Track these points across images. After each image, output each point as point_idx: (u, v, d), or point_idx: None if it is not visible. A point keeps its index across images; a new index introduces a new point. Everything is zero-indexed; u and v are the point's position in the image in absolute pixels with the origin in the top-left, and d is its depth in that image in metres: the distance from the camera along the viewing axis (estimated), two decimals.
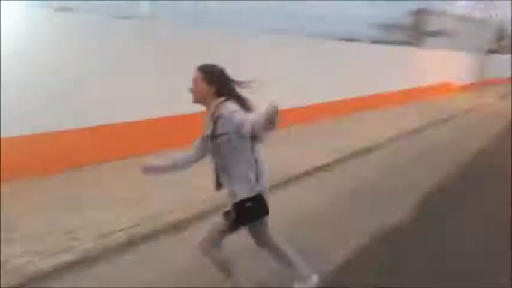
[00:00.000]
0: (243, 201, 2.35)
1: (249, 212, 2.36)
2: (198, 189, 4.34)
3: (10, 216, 3.84)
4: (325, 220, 4.17)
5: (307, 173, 5.75)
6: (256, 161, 2.41)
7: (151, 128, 6.40)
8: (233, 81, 2.43)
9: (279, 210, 4.32)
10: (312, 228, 3.94)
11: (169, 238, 3.72)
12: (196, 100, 2.42)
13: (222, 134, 2.30)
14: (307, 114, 9.93)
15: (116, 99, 6.02)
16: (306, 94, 10.04)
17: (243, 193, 2.36)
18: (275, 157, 6.48)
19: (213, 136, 2.33)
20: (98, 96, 5.80)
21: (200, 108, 2.47)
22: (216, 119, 2.32)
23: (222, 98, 2.36)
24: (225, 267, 2.57)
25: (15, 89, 4.98)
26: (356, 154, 7.00)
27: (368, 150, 7.33)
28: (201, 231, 2.65)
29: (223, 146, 2.33)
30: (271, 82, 9.41)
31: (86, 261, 3.23)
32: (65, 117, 5.50)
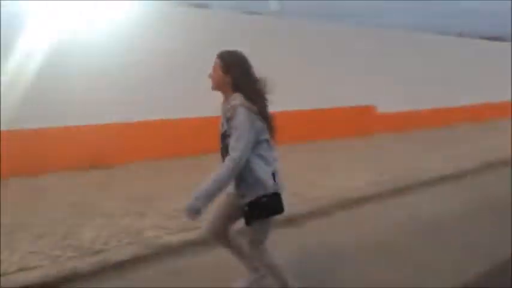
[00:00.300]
0: (258, 198, 2.18)
1: (263, 207, 2.19)
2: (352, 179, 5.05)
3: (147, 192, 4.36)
4: (456, 232, 3.79)
5: (442, 179, 5.53)
6: (270, 160, 2.23)
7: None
8: (252, 75, 2.20)
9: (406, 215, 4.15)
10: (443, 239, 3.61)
11: None
12: (214, 87, 2.26)
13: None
14: (450, 116, 9.40)
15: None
16: (450, 97, 9.28)
17: (258, 192, 2.18)
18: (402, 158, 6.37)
19: (225, 136, 2.18)
20: None
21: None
22: (228, 119, 2.16)
23: (239, 95, 2.15)
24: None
25: (156, 81, 5.54)
26: (492, 165, 6.42)
27: (504, 163, 6.57)
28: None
29: None
30: (411, 81, 8.85)
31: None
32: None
